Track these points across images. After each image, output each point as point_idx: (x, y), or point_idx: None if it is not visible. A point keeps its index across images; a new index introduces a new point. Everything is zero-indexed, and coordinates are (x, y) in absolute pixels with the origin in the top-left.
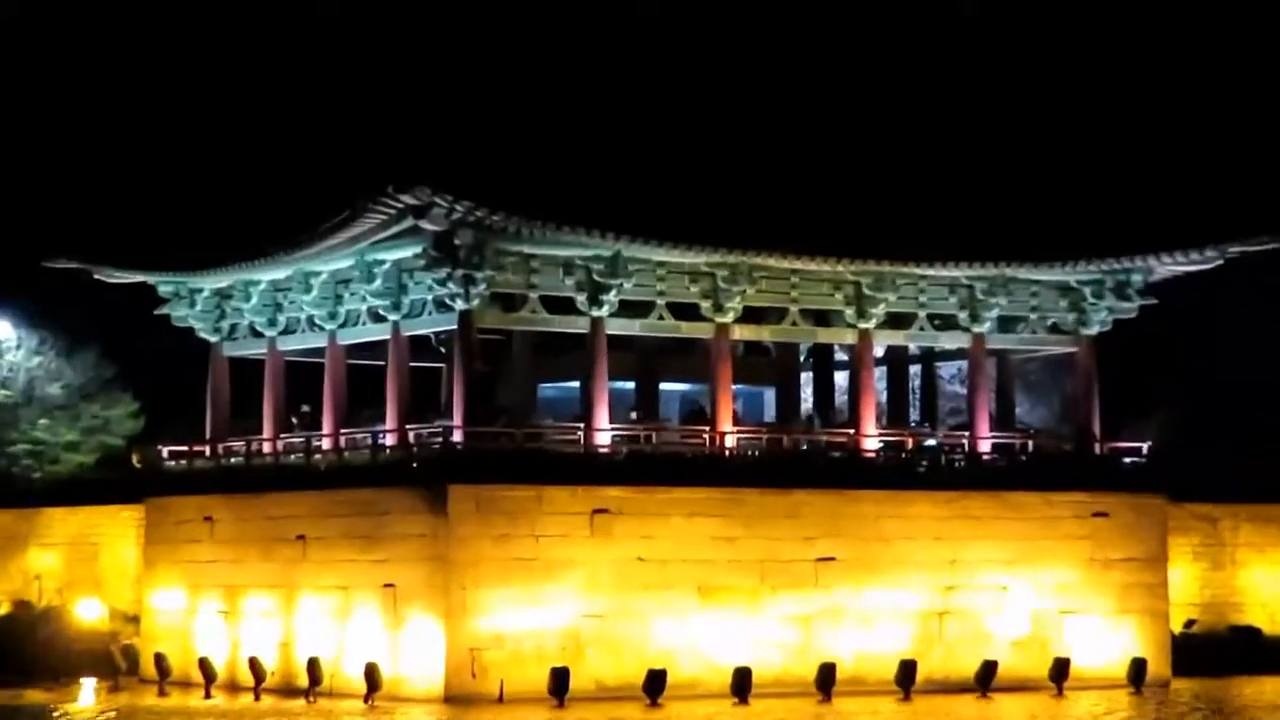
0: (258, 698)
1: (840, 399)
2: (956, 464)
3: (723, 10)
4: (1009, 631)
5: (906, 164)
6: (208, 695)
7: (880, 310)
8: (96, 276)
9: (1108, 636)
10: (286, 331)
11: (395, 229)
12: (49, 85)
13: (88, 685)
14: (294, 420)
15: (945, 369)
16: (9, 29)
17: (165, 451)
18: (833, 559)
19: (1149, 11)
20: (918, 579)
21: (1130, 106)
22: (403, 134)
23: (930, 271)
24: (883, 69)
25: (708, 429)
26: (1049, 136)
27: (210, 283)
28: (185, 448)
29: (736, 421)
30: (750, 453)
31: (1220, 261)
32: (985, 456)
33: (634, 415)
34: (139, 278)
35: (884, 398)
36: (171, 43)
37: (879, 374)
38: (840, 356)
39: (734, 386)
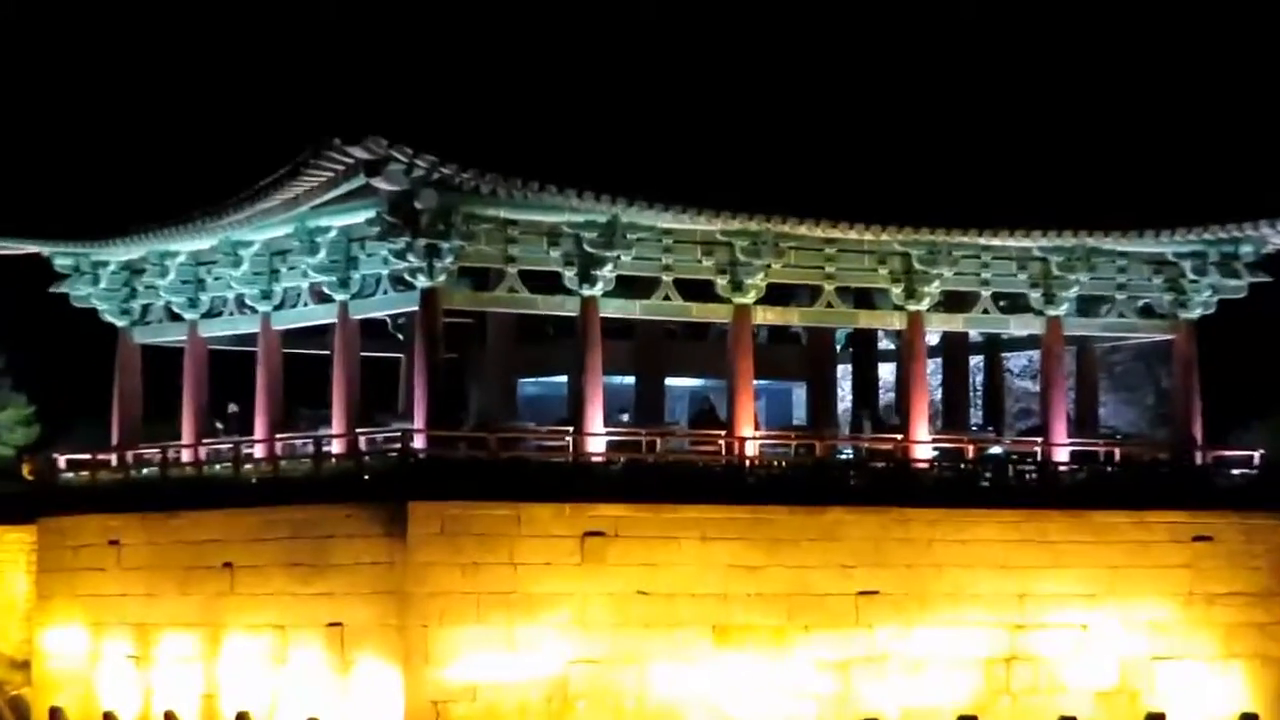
0: None
1: (886, 397)
2: (1027, 477)
3: None
4: (1091, 681)
5: (967, 115)
6: None
7: (935, 289)
8: None
9: (1211, 687)
10: (211, 314)
11: (343, 189)
12: None
13: None
14: (219, 424)
15: (1014, 360)
16: None
17: (63, 461)
18: (876, 592)
19: None
20: (980, 617)
21: (1239, 47)
22: (356, 77)
23: (996, 242)
24: (946, 7)
25: (723, 433)
26: (1140, 81)
27: (118, 254)
28: (87, 456)
29: (759, 425)
30: (776, 463)
31: None
32: (1062, 468)
33: (625, 416)
34: (31, 248)
35: (939, 395)
36: None
37: (933, 366)
38: (886, 345)
39: (756, 382)
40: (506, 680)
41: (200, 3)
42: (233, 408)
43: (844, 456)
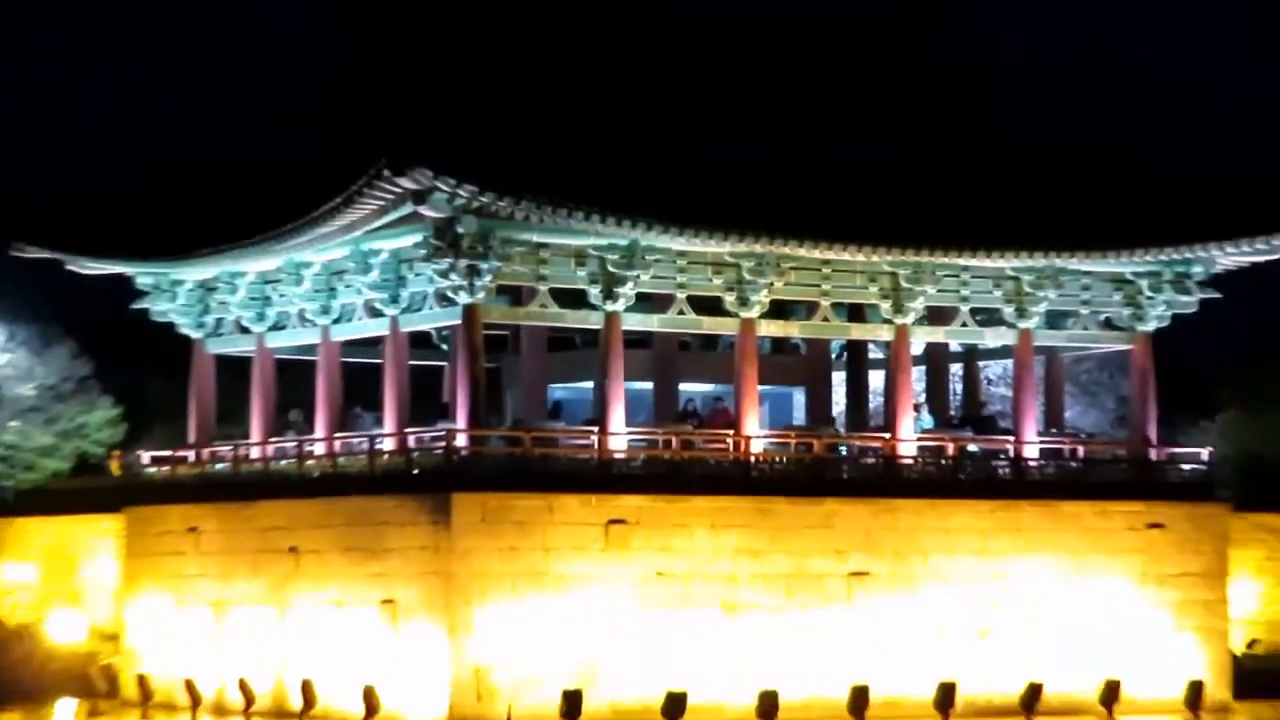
0: None
1: (876, 401)
2: (1001, 471)
3: None
4: (1056, 652)
5: (948, 145)
6: (194, 718)
7: (919, 304)
8: (70, 267)
9: (1163, 657)
10: (276, 327)
11: (393, 215)
12: (16, 53)
13: (65, 708)
14: (290, 419)
15: (989, 368)
16: None
17: (146, 457)
18: (867, 574)
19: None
20: (959, 595)
21: (1192, 84)
22: (402, 110)
23: (974, 262)
24: (919, 46)
25: (732, 432)
26: (1102, 116)
27: (193, 274)
28: (168, 453)
29: (763, 425)
30: (778, 460)
31: None
32: (1032, 464)
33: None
34: (116, 268)
35: (923, 399)
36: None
37: (917, 374)
38: (876, 355)
39: (760, 387)
40: (540, 650)
41: (266, 45)
42: (294, 413)
43: (840, 453)
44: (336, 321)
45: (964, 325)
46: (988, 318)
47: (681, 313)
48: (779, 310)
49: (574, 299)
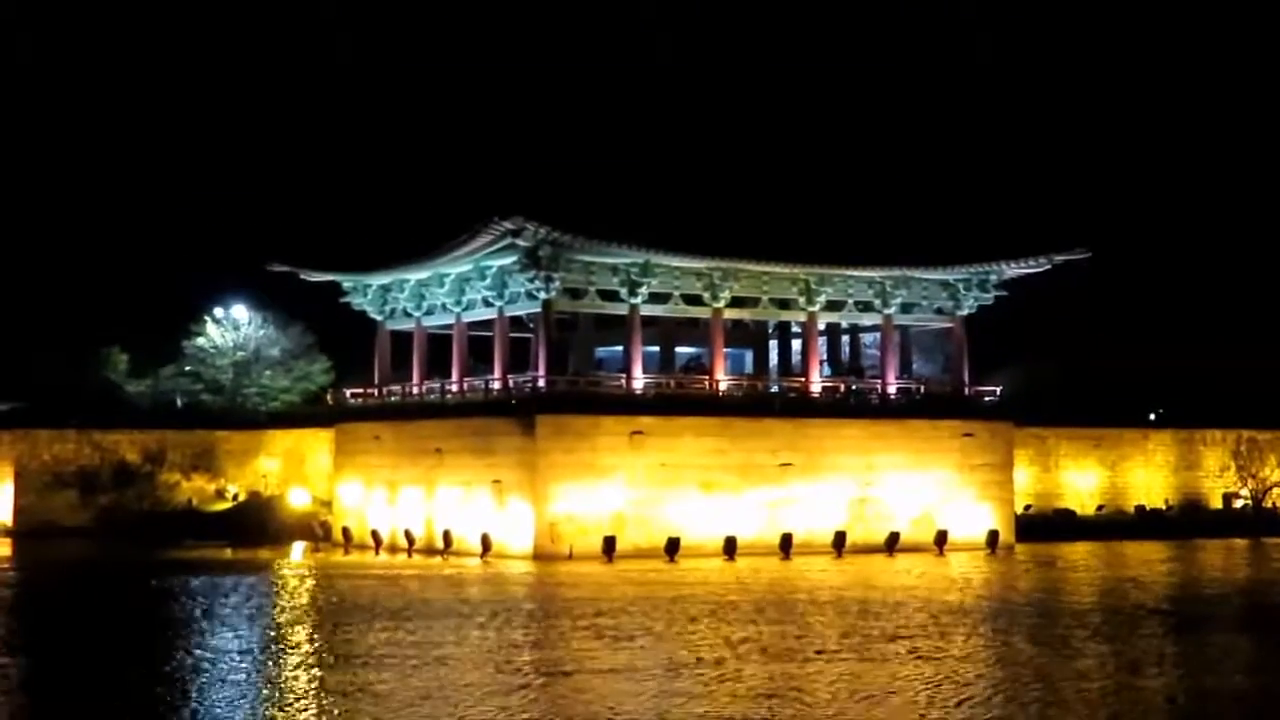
0: (410, 555)
1: (795, 359)
2: (873, 401)
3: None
4: (907, 512)
5: (839, 198)
6: (377, 554)
7: (822, 299)
8: (302, 276)
9: (973, 515)
10: (428, 313)
11: (500, 245)
12: (275, 138)
13: (298, 547)
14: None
15: (866, 338)
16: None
17: (348, 393)
18: (790, 464)
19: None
20: (847, 477)
21: (992, 150)
22: (504, 178)
23: (856, 273)
24: (833, 126)
25: (706, 377)
26: (933, 181)
27: (377, 280)
28: (361, 390)
29: (726, 372)
30: (736, 393)
31: (1048, 266)
32: (892, 396)
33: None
34: (330, 277)
35: (825, 357)
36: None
37: (822, 341)
38: (796, 330)
39: (725, 349)
40: (589, 511)
41: (430, 146)
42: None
43: (773, 390)
44: (465, 310)
45: (850, 311)
46: (865, 306)
47: (676, 304)
48: (737, 302)
49: (611, 295)
